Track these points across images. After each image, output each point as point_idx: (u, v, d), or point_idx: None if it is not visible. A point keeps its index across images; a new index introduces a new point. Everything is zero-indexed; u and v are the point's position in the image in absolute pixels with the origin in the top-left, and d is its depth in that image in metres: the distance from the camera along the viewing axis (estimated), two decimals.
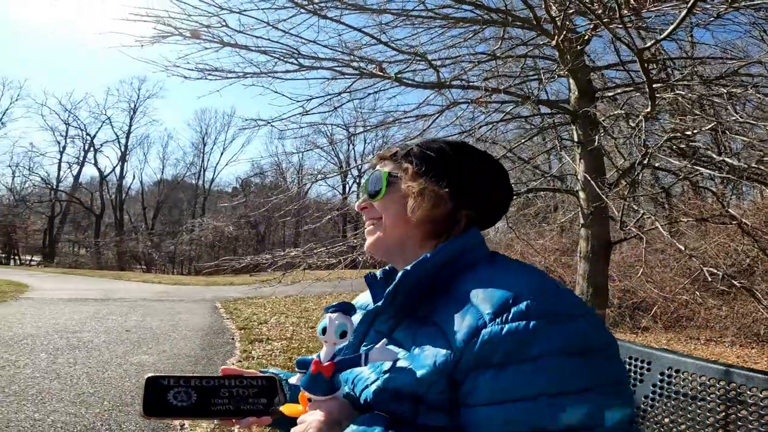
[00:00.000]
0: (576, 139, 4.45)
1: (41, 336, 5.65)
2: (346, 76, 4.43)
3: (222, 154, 41.80)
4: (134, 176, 37.64)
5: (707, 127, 3.54)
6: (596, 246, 4.26)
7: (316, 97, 4.47)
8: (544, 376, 0.66)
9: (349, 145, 32.66)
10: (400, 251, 0.90)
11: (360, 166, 32.26)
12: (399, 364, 0.78)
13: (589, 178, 3.85)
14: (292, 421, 0.99)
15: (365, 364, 0.80)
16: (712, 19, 4.19)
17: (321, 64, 4.34)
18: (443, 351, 0.72)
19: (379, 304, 0.85)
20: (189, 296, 11.37)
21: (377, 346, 0.80)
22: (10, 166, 34.18)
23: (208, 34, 4.03)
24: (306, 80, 4.69)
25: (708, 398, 1.11)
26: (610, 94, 4.63)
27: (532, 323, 0.68)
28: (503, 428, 0.66)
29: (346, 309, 0.81)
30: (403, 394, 0.75)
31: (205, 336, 6.38)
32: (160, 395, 0.78)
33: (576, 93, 4.31)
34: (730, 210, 4.57)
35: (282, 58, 4.20)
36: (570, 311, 0.72)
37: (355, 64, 4.33)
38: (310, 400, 0.82)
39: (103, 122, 35.63)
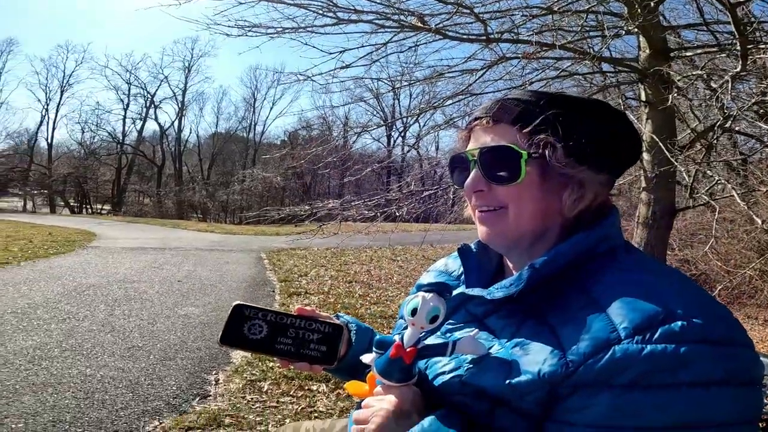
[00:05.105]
0: (644, 99, 3.98)
1: (102, 286, 6.10)
2: (386, 29, 4.14)
3: (272, 108, 43.24)
4: (191, 130, 39.64)
5: None
6: (658, 212, 3.87)
7: (350, 49, 4.23)
8: (683, 404, 0.55)
9: (394, 100, 32.01)
10: (530, 246, 0.73)
11: (405, 120, 31.62)
12: (490, 359, 0.68)
13: (657, 139, 3.46)
14: (346, 371, 0.93)
15: (450, 355, 0.71)
16: None
17: (359, 17, 4.07)
18: (553, 360, 0.61)
19: (483, 294, 0.72)
20: (238, 246, 11.87)
21: (468, 336, 0.71)
22: (78, 122, 37.18)
23: None
24: (344, 34, 4.45)
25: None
26: (688, 54, 4.04)
27: (684, 347, 0.56)
28: None
29: (442, 290, 0.70)
30: (487, 395, 0.66)
31: (248, 288, 6.68)
32: (239, 325, 0.81)
33: (647, 51, 3.79)
34: None
35: (319, 11, 3.98)
36: (733, 337, 0.59)
37: (395, 16, 4.02)
38: (378, 382, 0.74)
39: (161, 81, 37.68)
